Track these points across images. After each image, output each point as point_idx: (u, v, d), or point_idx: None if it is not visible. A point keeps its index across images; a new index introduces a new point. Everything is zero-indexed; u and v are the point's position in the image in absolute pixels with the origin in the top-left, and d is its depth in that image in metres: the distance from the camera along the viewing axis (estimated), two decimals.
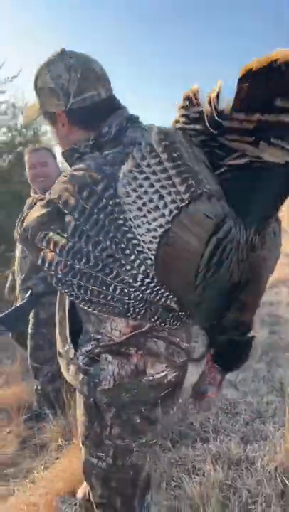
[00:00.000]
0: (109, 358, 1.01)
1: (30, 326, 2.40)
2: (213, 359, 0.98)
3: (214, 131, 0.76)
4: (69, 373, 1.11)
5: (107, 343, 1.00)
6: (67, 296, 1.08)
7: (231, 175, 0.78)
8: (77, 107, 1.02)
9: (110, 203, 0.78)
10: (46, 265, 0.82)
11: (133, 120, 1.08)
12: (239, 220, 0.76)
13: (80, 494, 1.55)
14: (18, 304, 2.25)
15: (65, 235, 0.80)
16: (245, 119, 0.71)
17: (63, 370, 1.16)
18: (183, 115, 0.82)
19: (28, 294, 2.22)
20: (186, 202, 0.73)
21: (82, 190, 0.79)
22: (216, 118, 0.75)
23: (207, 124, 0.76)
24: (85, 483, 1.53)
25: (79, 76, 1.00)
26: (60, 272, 0.81)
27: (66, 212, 0.79)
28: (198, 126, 0.79)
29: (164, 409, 1.07)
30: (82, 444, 1.13)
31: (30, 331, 2.41)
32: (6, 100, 5.34)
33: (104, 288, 0.80)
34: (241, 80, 0.70)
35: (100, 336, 1.02)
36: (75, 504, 1.61)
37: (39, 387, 2.44)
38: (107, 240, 0.78)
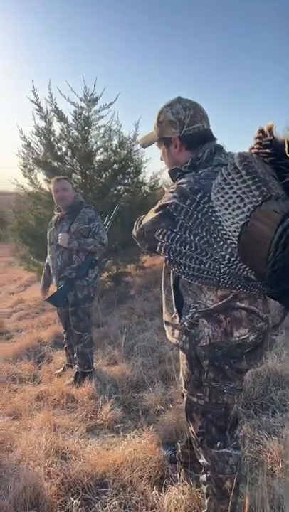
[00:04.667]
0: (205, 322, 1.40)
1: (70, 305, 3.23)
2: None
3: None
4: (174, 336, 1.52)
5: (203, 309, 1.39)
6: (171, 279, 1.51)
7: None
8: (187, 134, 1.47)
9: (206, 206, 1.16)
10: (162, 251, 1.22)
11: (219, 148, 1.50)
12: None
13: (180, 444, 1.96)
14: (58, 288, 3.19)
15: (175, 230, 1.20)
16: None
17: (169, 335, 1.56)
18: (257, 143, 1.19)
19: (65, 280, 3.15)
20: (260, 202, 1.09)
21: (186, 199, 1.19)
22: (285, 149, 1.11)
23: (287, 150, 1.12)
24: (184, 434, 1.95)
25: (192, 113, 1.47)
26: (171, 255, 1.22)
27: (175, 214, 1.19)
28: (268, 150, 1.16)
29: (248, 362, 1.43)
30: (185, 388, 1.54)
31: (71, 308, 3.24)
32: (104, 124, 6.02)
33: (202, 265, 1.19)
34: None
35: (197, 305, 1.41)
36: (175, 449, 2.03)
37: (80, 350, 3.23)
38: (204, 231, 1.16)
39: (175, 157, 1.52)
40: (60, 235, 3.15)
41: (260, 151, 1.19)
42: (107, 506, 1.80)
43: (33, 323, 4.91)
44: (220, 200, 1.14)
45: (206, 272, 1.20)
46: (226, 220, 1.14)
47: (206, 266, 1.19)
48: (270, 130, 1.18)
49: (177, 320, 1.48)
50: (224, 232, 1.14)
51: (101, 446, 2.27)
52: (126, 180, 6.45)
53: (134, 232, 1.58)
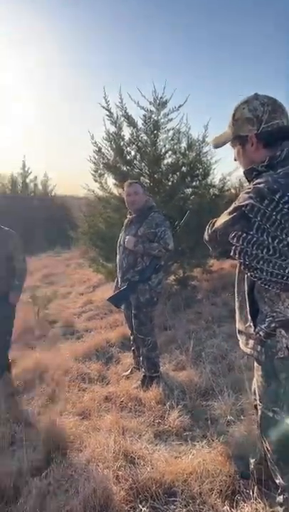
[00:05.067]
0: (283, 332, 1.30)
1: (133, 308, 3.25)
2: None
3: None
4: (248, 346, 1.43)
5: (281, 318, 1.29)
6: (246, 284, 1.42)
7: None
8: (265, 131, 1.39)
9: (286, 206, 1.07)
10: (237, 255, 1.15)
11: None
12: None
13: (252, 460, 1.86)
14: (121, 289, 3.22)
15: (251, 232, 1.12)
16: None
17: (242, 345, 1.48)
18: None
19: (127, 283, 3.18)
20: None
21: (264, 199, 1.10)
22: None
23: None
24: (257, 448, 1.85)
25: (270, 109, 1.38)
26: (247, 259, 1.14)
27: (251, 216, 1.12)
28: None
29: None
30: (260, 401, 1.44)
31: (133, 311, 3.25)
32: (173, 127, 5.99)
33: (281, 270, 1.10)
34: None
35: (274, 314, 1.31)
36: (248, 464, 1.93)
37: (144, 354, 3.22)
38: (283, 234, 1.08)
39: (252, 156, 1.43)
40: (127, 237, 3.19)
41: None
42: None
43: (101, 324, 5.01)
44: None
45: (285, 278, 1.12)
46: None
47: (287, 271, 1.10)
48: None
49: (252, 329, 1.39)
50: None
51: (169, 454, 2.23)
52: (194, 183, 6.37)
53: (206, 236, 1.50)
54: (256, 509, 1.72)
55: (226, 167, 9.18)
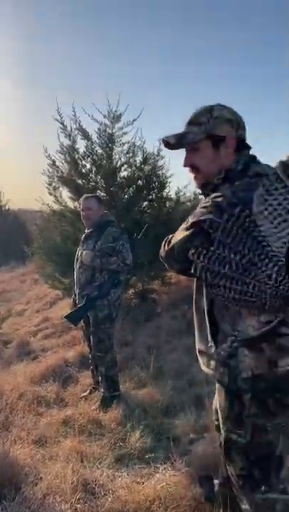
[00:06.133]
0: (246, 351, 1.25)
1: (91, 324, 3.15)
2: None
3: None
4: (210, 367, 1.36)
5: (243, 338, 1.24)
6: (205, 302, 1.37)
7: None
8: (240, 138, 1.37)
9: (247, 220, 1.03)
10: (198, 273, 1.09)
11: (253, 158, 1.37)
12: None
13: (216, 481, 1.80)
14: (79, 306, 3.12)
15: (212, 249, 1.06)
16: None
17: (203, 366, 1.41)
18: None
19: (85, 299, 3.08)
20: None
21: (223, 213, 1.05)
22: None
23: None
24: (221, 470, 1.79)
25: (241, 117, 1.37)
26: (209, 277, 1.08)
27: (211, 231, 1.06)
28: None
29: None
30: (223, 425, 1.38)
31: (91, 328, 3.16)
32: (128, 141, 5.96)
33: (246, 287, 1.05)
34: None
35: (236, 333, 1.26)
36: (212, 486, 1.86)
37: (103, 373, 3.13)
38: (245, 249, 1.03)
39: (223, 160, 1.36)
40: (84, 252, 3.11)
41: None
42: None
43: (58, 343, 4.84)
44: (264, 213, 1.01)
45: (249, 294, 1.07)
46: (270, 235, 1.01)
47: (250, 287, 1.05)
48: None
49: (213, 349, 1.33)
50: (269, 248, 1.01)
51: (131, 479, 2.12)
52: (150, 196, 6.37)
53: (162, 253, 1.43)
54: None
55: (181, 180, 9.29)
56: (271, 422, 1.27)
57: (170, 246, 1.35)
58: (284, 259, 1.01)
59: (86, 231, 3.30)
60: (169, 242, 1.38)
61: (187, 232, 1.25)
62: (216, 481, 1.85)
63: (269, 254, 1.02)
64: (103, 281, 3.10)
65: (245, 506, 1.36)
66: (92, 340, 3.19)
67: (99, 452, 2.43)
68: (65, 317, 3.24)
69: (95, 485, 2.05)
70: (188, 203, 7.16)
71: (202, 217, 1.15)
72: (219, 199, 1.14)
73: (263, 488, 1.31)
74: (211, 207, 1.12)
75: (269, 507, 1.31)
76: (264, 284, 1.04)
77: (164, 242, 1.44)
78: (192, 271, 1.10)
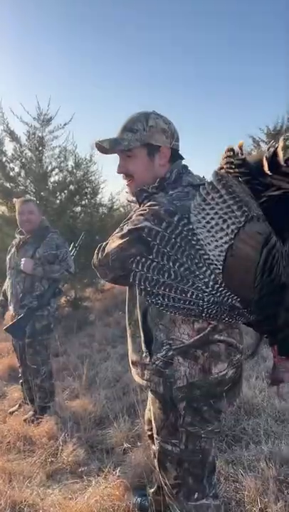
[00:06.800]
0: (181, 360, 1.26)
1: (27, 335, 2.96)
2: (280, 352, 1.22)
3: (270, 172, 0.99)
4: (143, 378, 1.35)
5: (178, 346, 1.25)
6: (139, 312, 1.36)
7: (269, 203, 1.03)
8: (174, 148, 1.38)
9: (185, 229, 1.03)
10: (137, 281, 1.07)
11: (186, 168, 1.41)
12: (277, 236, 1.02)
13: (150, 490, 1.80)
14: (19, 317, 2.90)
15: (150, 257, 1.05)
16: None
17: (137, 377, 1.40)
18: (228, 162, 1.06)
19: (25, 310, 2.90)
20: (243, 223, 0.98)
21: (162, 221, 1.05)
22: (264, 167, 1.01)
23: (266, 167, 0.98)
24: (154, 478, 1.79)
25: (175, 128, 1.39)
26: (148, 286, 1.08)
27: (149, 239, 1.05)
28: (242, 169, 1.04)
29: (228, 400, 1.31)
30: (158, 435, 1.37)
31: (27, 340, 2.98)
32: (59, 145, 5.89)
33: (184, 295, 1.06)
34: None
35: (171, 341, 1.26)
36: (146, 495, 1.86)
37: (38, 384, 3.00)
38: (184, 257, 1.03)
39: (157, 170, 1.37)
40: (23, 260, 2.89)
41: (232, 170, 1.06)
42: None
43: None
44: (201, 222, 1.02)
45: (188, 302, 1.07)
46: (208, 244, 1.02)
47: (188, 295, 1.05)
48: (241, 148, 1.09)
49: (148, 359, 1.32)
50: (207, 256, 1.02)
51: (63, 496, 2.04)
52: (83, 202, 6.31)
53: (95, 261, 1.38)
54: None
55: (115, 186, 9.33)
56: (205, 430, 1.30)
57: (104, 254, 1.32)
58: (221, 267, 1.03)
59: (18, 236, 3.09)
60: (103, 249, 1.34)
61: (124, 240, 1.23)
62: (150, 490, 1.84)
63: (206, 262, 1.03)
64: (44, 291, 2.95)
65: None
66: (27, 352, 3.02)
67: (29, 470, 2.31)
68: (5, 329, 2.98)
69: (24, 505, 1.94)
70: (122, 209, 7.20)
71: (140, 225, 1.14)
72: (156, 207, 1.14)
73: (196, 495, 1.33)
74: (149, 214, 1.11)
75: None
76: (202, 292, 1.05)
77: (97, 250, 1.39)
78: (131, 279, 1.09)
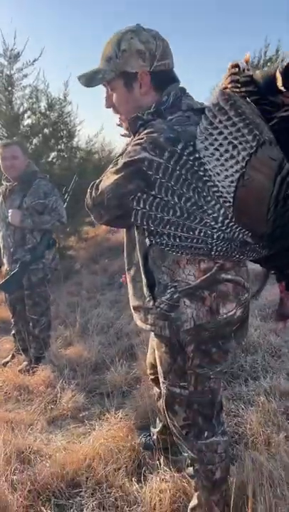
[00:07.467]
0: (187, 302, 1.19)
1: (25, 288, 2.87)
2: (287, 288, 1.17)
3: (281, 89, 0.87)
4: (147, 323, 1.28)
5: (184, 288, 1.17)
6: (139, 254, 1.26)
7: (280, 125, 0.91)
8: (159, 70, 1.17)
9: (191, 158, 0.92)
10: (139, 220, 0.97)
11: (184, 91, 1.23)
12: None
13: (155, 429, 1.82)
14: (12, 272, 2.78)
15: (153, 192, 0.94)
16: None
17: (139, 321, 1.32)
18: (232, 81, 0.92)
19: (18, 264, 2.77)
20: (255, 148, 0.88)
21: (164, 151, 0.92)
22: (278, 83, 0.88)
23: (280, 82, 0.86)
24: (159, 419, 1.80)
25: (163, 44, 1.17)
26: (152, 225, 0.97)
27: (150, 172, 0.93)
28: (249, 88, 0.91)
29: (237, 340, 1.27)
30: (164, 379, 1.33)
31: (26, 292, 2.89)
32: (30, 84, 5.43)
33: (191, 233, 0.96)
34: None
35: (176, 283, 1.18)
36: (151, 435, 1.88)
37: (35, 334, 2.95)
38: (190, 191, 0.93)
39: (139, 100, 1.20)
40: (10, 211, 2.70)
41: (237, 90, 0.91)
42: (84, 510, 1.62)
43: None
44: (209, 149, 0.90)
45: (195, 241, 0.97)
46: (218, 174, 0.91)
47: (196, 233, 0.96)
48: (247, 63, 0.94)
49: (151, 303, 1.24)
50: (216, 189, 0.92)
51: (67, 441, 2.06)
52: (59, 146, 5.98)
53: (88, 201, 1.26)
54: (164, 478, 1.68)
55: (92, 128, 8.87)
56: (214, 370, 1.26)
57: (99, 192, 1.18)
58: (232, 200, 0.93)
59: (5, 184, 2.86)
60: (97, 187, 1.21)
61: (119, 175, 1.09)
62: (154, 430, 1.87)
63: (215, 195, 0.93)
64: (36, 243, 2.79)
65: (188, 454, 1.37)
66: (27, 304, 2.93)
67: (29, 418, 2.31)
68: None
69: (30, 452, 1.95)
70: (97, 155, 6.86)
71: (138, 156, 1.00)
72: (155, 135, 1.00)
73: (206, 434, 1.33)
74: (147, 143, 0.97)
75: (212, 450, 1.34)
76: (210, 228, 0.96)
77: (90, 189, 1.26)
78: (132, 219, 0.98)
